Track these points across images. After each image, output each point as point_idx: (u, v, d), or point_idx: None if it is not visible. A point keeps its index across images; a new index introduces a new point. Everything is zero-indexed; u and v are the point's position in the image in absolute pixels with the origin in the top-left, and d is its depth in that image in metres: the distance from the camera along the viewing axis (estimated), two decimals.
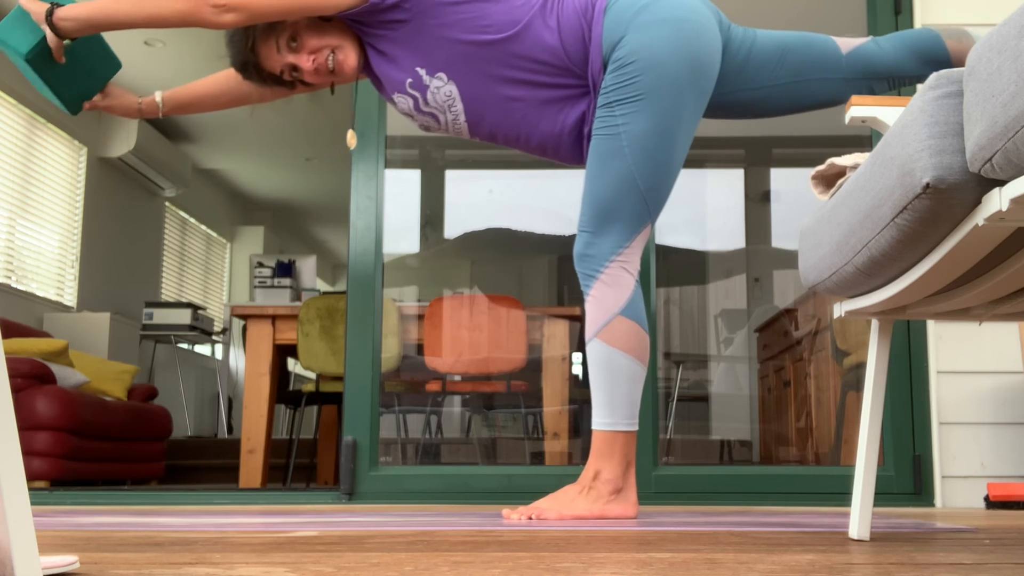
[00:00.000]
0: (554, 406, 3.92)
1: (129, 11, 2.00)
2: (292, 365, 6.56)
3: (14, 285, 5.71)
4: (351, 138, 2.24)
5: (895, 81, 2.27)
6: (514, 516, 2.05)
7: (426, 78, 2.13)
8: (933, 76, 1.08)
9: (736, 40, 2.24)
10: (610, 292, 2.08)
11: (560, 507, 2.07)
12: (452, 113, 2.17)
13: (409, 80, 2.15)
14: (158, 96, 2.34)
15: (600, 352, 2.10)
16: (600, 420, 2.11)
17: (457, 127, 2.20)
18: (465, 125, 2.19)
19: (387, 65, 2.16)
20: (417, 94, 2.16)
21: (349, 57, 2.16)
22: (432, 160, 5.68)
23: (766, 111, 2.31)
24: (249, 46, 2.15)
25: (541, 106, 2.15)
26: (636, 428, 2.12)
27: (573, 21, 2.11)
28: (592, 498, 2.08)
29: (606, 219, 2.09)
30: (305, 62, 2.15)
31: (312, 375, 9.82)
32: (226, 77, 2.36)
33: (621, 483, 2.10)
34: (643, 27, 2.06)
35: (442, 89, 2.14)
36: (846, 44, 2.28)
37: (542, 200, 6.26)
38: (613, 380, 2.10)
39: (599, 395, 2.11)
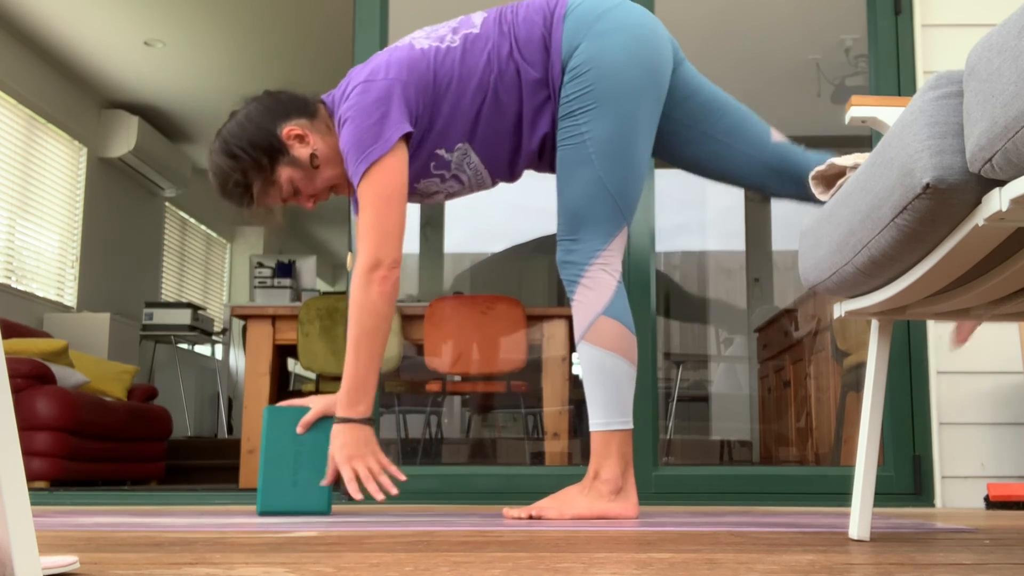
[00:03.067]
0: (554, 406, 3.92)
1: (369, 355, 2.04)
2: (292, 365, 6.56)
3: (14, 285, 5.71)
4: (350, 261, 2.30)
5: (788, 188, 2.35)
6: (515, 514, 2.05)
7: (446, 155, 2.20)
8: (933, 76, 1.09)
9: (686, 71, 2.31)
10: (592, 294, 2.11)
11: (561, 506, 2.08)
12: (471, 169, 2.24)
13: (432, 163, 2.20)
14: None
15: (588, 354, 2.13)
16: (595, 421, 2.13)
17: (479, 178, 2.26)
18: (486, 171, 2.25)
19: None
20: (442, 171, 2.22)
21: (346, 189, 2.24)
22: None
23: (698, 163, 2.35)
24: (246, 204, 2.20)
25: (532, 123, 2.21)
26: (630, 426, 2.14)
27: (531, 31, 2.16)
28: (592, 497, 2.09)
29: (581, 225, 2.14)
30: (306, 202, 2.22)
31: (312, 375, 9.82)
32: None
33: (621, 482, 2.10)
34: (600, 35, 2.12)
35: (466, 156, 2.21)
36: (777, 135, 2.35)
37: (541, 200, 6.27)
38: (603, 380, 2.12)
39: (592, 396, 2.14)
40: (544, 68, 2.16)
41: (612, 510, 2.08)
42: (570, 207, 2.14)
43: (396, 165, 2.06)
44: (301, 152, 2.16)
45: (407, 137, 2.11)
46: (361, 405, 2.00)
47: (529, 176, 2.60)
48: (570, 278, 2.15)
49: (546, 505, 2.09)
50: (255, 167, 2.14)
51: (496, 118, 2.17)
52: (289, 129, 2.15)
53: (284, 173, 2.16)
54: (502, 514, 2.21)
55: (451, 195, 2.30)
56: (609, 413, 2.11)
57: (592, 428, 2.14)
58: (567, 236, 2.16)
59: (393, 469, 1.94)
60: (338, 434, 2.00)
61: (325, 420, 2.29)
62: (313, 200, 2.21)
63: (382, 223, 2.04)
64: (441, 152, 2.18)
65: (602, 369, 2.11)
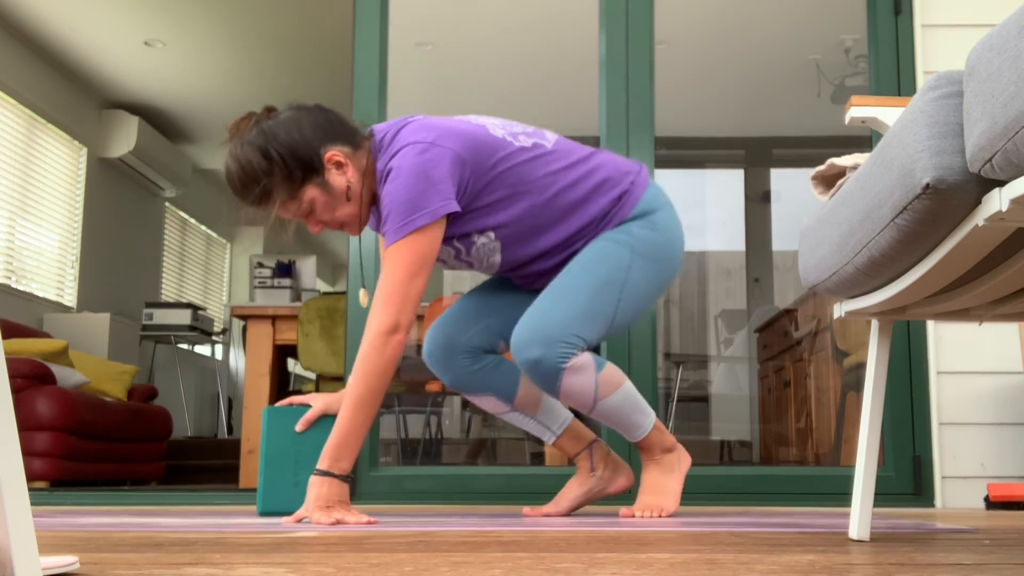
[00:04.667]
0: None
1: (367, 416, 2.03)
2: (292, 365, 6.56)
3: (14, 285, 5.71)
4: (363, 297, 2.25)
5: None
6: (638, 513, 2.24)
7: (475, 236, 2.19)
8: (933, 76, 1.09)
9: None
10: (579, 377, 2.14)
11: (663, 499, 2.30)
12: (489, 261, 2.25)
13: (456, 238, 2.20)
14: None
15: (609, 405, 2.20)
16: (637, 434, 2.29)
17: (490, 266, 2.27)
18: (498, 263, 2.26)
19: None
20: (461, 247, 2.21)
21: (355, 229, 2.20)
22: None
23: (495, 305, 2.45)
24: (258, 206, 2.15)
25: (562, 248, 2.28)
26: (654, 418, 2.31)
27: (600, 193, 2.24)
28: (671, 473, 2.35)
29: (572, 330, 2.14)
30: (314, 226, 2.18)
31: (312, 375, 9.81)
32: None
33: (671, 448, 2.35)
34: (672, 215, 2.29)
35: (487, 245, 2.21)
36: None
37: None
38: (627, 410, 2.24)
39: (628, 425, 2.27)
40: (599, 216, 2.23)
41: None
42: (572, 310, 2.14)
43: (434, 237, 2.05)
44: (336, 179, 2.10)
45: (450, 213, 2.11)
46: (344, 461, 2.00)
47: None
48: (549, 376, 2.13)
49: (652, 503, 2.28)
50: (286, 177, 2.07)
51: (531, 230, 2.20)
52: (332, 153, 2.09)
53: (310, 193, 2.10)
54: (619, 514, 2.34)
55: (451, 266, 2.30)
56: (645, 423, 2.29)
57: (637, 440, 2.30)
58: (559, 336, 2.13)
59: (361, 522, 1.94)
60: (314, 485, 1.99)
61: (326, 419, 2.30)
62: (321, 227, 2.18)
63: (407, 290, 2.03)
64: (472, 232, 2.18)
65: (624, 407, 2.23)
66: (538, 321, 2.11)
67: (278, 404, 2.33)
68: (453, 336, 2.32)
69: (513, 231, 2.19)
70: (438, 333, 2.34)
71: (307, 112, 2.12)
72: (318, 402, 2.29)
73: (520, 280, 2.36)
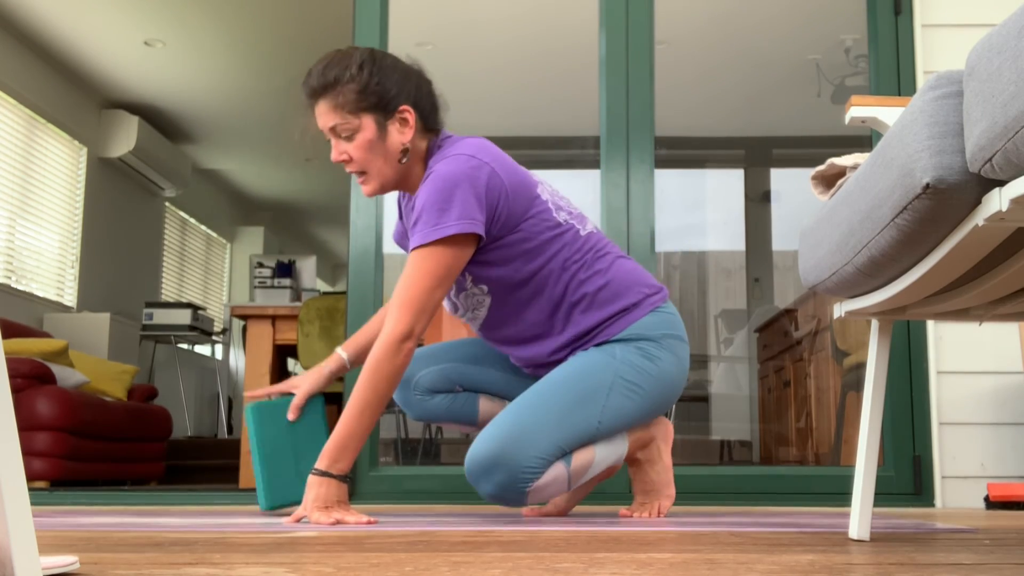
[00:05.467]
0: None
1: (371, 420, 1.99)
2: (292, 365, 6.57)
3: (14, 285, 5.71)
4: None
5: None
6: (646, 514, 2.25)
7: (468, 282, 2.14)
8: (933, 76, 1.09)
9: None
10: (548, 482, 2.05)
11: (658, 496, 2.29)
12: (473, 314, 2.19)
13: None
14: (343, 355, 2.32)
15: (586, 479, 2.14)
16: (620, 464, 2.24)
17: (474, 318, 2.21)
18: (482, 318, 2.20)
19: None
20: (453, 285, 2.16)
21: (370, 184, 2.11)
22: None
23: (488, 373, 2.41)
24: (321, 97, 2.07)
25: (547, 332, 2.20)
26: (626, 441, 2.21)
27: (618, 292, 2.16)
28: (661, 461, 2.31)
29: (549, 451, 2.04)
30: (339, 155, 2.10)
31: None
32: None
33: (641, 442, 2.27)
34: (671, 347, 2.17)
35: (477, 296, 2.16)
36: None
37: None
38: (605, 464, 2.16)
39: (610, 469, 2.21)
40: (591, 325, 2.16)
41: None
42: (542, 428, 2.03)
43: (462, 252, 2.01)
44: (394, 133, 2.08)
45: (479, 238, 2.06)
46: (343, 462, 1.98)
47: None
48: (516, 493, 2.03)
49: (649, 504, 2.28)
50: (361, 90, 2.04)
51: (524, 302, 2.14)
52: (407, 108, 2.07)
53: (366, 122, 2.05)
54: (619, 514, 2.33)
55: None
56: (622, 448, 2.19)
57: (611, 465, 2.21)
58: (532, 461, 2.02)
59: (361, 522, 1.93)
60: (313, 486, 1.97)
61: (314, 400, 2.29)
62: (344, 160, 2.09)
63: (426, 299, 1.99)
64: (467, 275, 2.13)
65: (601, 462, 2.14)
66: (502, 441, 1.99)
67: (253, 395, 2.28)
68: (410, 371, 2.30)
69: (506, 296, 2.13)
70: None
71: (417, 72, 2.14)
72: (302, 385, 2.27)
73: (496, 346, 2.29)
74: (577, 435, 2.05)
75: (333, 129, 2.08)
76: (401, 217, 2.34)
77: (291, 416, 2.26)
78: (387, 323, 2.00)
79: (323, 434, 2.30)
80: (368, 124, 2.06)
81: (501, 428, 2.01)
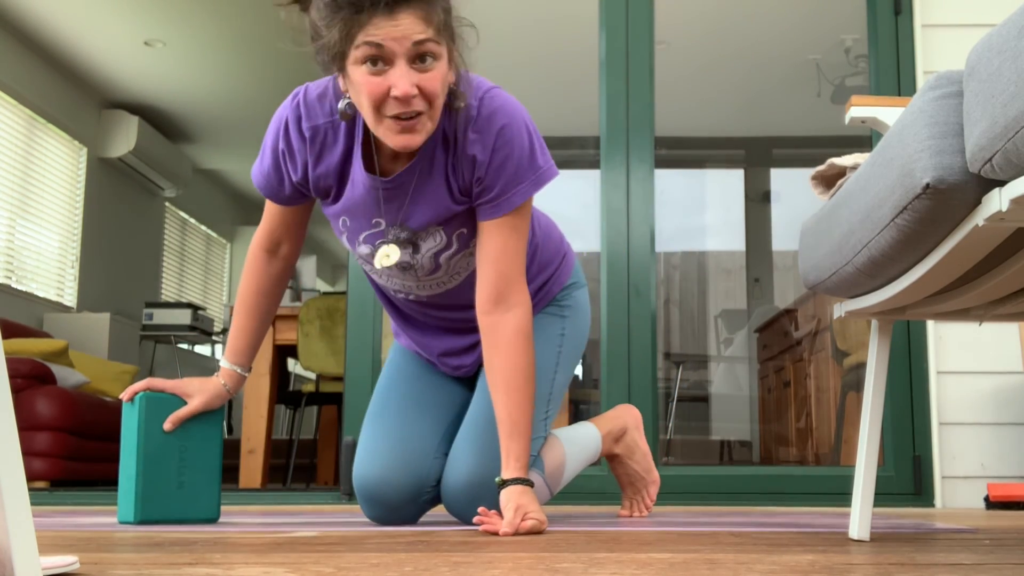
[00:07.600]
0: None
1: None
2: (292, 365, 6.56)
3: (14, 285, 5.71)
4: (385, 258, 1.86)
5: None
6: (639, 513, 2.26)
7: (473, 242, 1.84)
8: (933, 76, 1.09)
9: None
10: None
11: (642, 484, 2.28)
12: (446, 278, 1.90)
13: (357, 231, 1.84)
14: (237, 368, 1.95)
15: (565, 481, 2.08)
16: (595, 460, 2.19)
17: (432, 287, 1.93)
18: (442, 291, 1.93)
19: (428, 203, 1.78)
20: (453, 245, 1.87)
21: (422, 135, 1.65)
22: None
23: None
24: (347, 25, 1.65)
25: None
26: (597, 436, 2.18)
27: (550, 253, 2.08)
28: (637, 452, 2.27)
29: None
30: (403, 82, 1.58)
31: (312, 375, 9.80)
32: (255, 296, 1.96)
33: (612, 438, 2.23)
34: (577, 300, 2.12)
35: (468, 259, 1.87)
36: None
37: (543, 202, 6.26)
38: (579, 464, 2.09)
39: (586, 466, 2.15)
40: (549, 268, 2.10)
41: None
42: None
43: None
44: (450, 76, 1.67)
45: None
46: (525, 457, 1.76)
47: None
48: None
49: (636, 496, 2.27)
50: (450, 16, 1.64)
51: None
52: (457, 51, 1.70)
53: (445, 57, 1.62)
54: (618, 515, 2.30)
55: (363, 257, 1.90)
56: (594, 446, 2.15)
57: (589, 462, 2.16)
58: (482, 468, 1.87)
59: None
60: (515, 497, 1.67)
61: (212, 412, 1.94)
62: (409, 97, 1.58)
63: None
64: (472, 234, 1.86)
65: (574, 461, 2.07)
66: (481, 468, 1.84)
67: (139, 386, 1.88)
68: (418, 487, 2.07)
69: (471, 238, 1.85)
70: None
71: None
72: (195, 398, 1.90)
73: (438, 323, 2.02)
74: (536, 428, 1.94)
75: (418, 44, 1.57)
76: (307, 169, 1.82)
77: (167, 427, 1.87)
78: (519, 296, 1.77)
79: (217, 448, 1.96)
80: (446, 56, 1.63)
81: (475, 455, 1.85)
